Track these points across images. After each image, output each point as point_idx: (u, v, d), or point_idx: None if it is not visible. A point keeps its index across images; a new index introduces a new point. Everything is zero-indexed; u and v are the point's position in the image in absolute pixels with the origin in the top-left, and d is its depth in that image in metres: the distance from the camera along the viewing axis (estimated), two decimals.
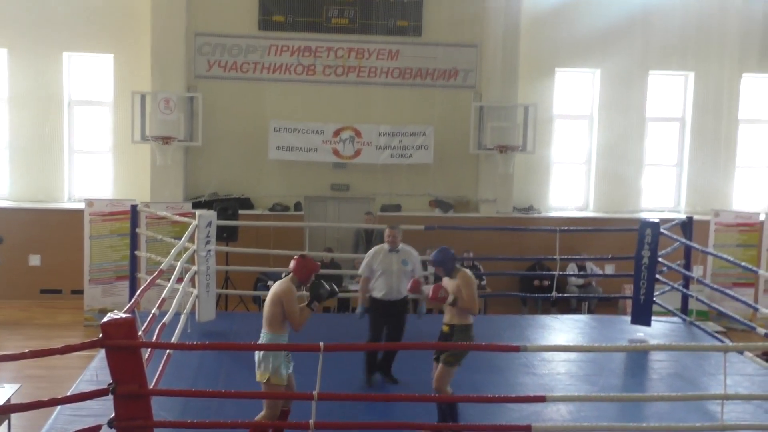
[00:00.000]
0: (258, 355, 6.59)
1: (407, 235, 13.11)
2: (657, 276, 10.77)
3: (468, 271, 7.32)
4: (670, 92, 15.58)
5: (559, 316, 12.21)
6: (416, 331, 8.83)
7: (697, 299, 10.91)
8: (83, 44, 14.45)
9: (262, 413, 6.60)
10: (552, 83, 15.19)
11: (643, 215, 14.45)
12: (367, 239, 13.74)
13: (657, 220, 10.89)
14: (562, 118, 15.41)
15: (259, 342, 6.65)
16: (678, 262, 11.20)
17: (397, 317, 8.58)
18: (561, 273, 12.18)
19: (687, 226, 11.37)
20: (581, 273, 13.51)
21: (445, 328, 7.22)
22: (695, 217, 12.02)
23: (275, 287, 6.69)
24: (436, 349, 7.18)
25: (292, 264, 6.79)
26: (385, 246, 8.73)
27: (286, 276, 6.78)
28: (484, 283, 13.55)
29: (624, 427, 6.97)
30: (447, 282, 7.29)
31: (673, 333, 10.87)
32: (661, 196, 15.70)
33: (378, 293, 8.60)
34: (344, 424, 6.33)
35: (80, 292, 13.16)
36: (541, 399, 6.04)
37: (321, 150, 14.13)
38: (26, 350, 5.17)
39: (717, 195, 15.43)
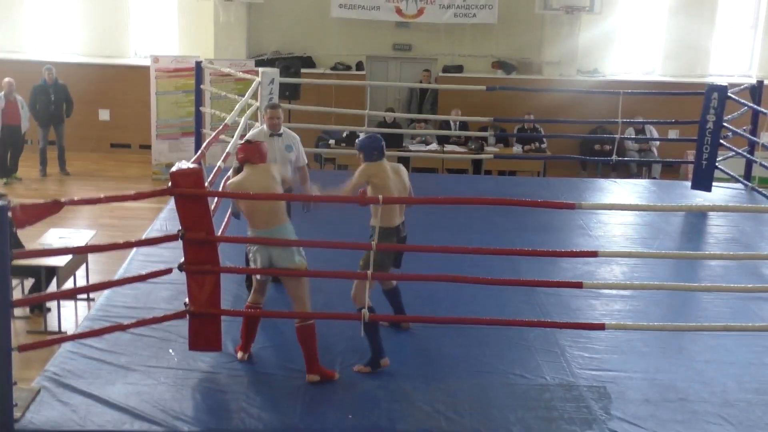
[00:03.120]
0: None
1: (469, 96, 13.20)
2: (721, 141, 10.56)
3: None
4: None
5: (618, 180, 12.15)
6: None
7: (762, 165, 10.65)
8: None
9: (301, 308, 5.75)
10: None
11: (712, 80, 13.96)
12: (421, 97, 13.72)
13: (725, 84, 10.58)
14: None
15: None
16: (744, 127, 10.95)
17: None
18: (622, 137, 12.01)
19: (756, 90, 10.99)
20: (641, 137, 13.31)
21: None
22: (766, 81, 11.62)
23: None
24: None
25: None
26: (264, 129, 7.12)
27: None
28: (544, 145, 13.50)
29: (675, 286, 7.09)
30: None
31: (734, 199, 10.70)
32: (732, 60, 15.17)
33: None
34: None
35: (148, 147, 13.57)
36: (593, 254, 6.06)
37: (383, 8, 13.93)
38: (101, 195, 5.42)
39: None
